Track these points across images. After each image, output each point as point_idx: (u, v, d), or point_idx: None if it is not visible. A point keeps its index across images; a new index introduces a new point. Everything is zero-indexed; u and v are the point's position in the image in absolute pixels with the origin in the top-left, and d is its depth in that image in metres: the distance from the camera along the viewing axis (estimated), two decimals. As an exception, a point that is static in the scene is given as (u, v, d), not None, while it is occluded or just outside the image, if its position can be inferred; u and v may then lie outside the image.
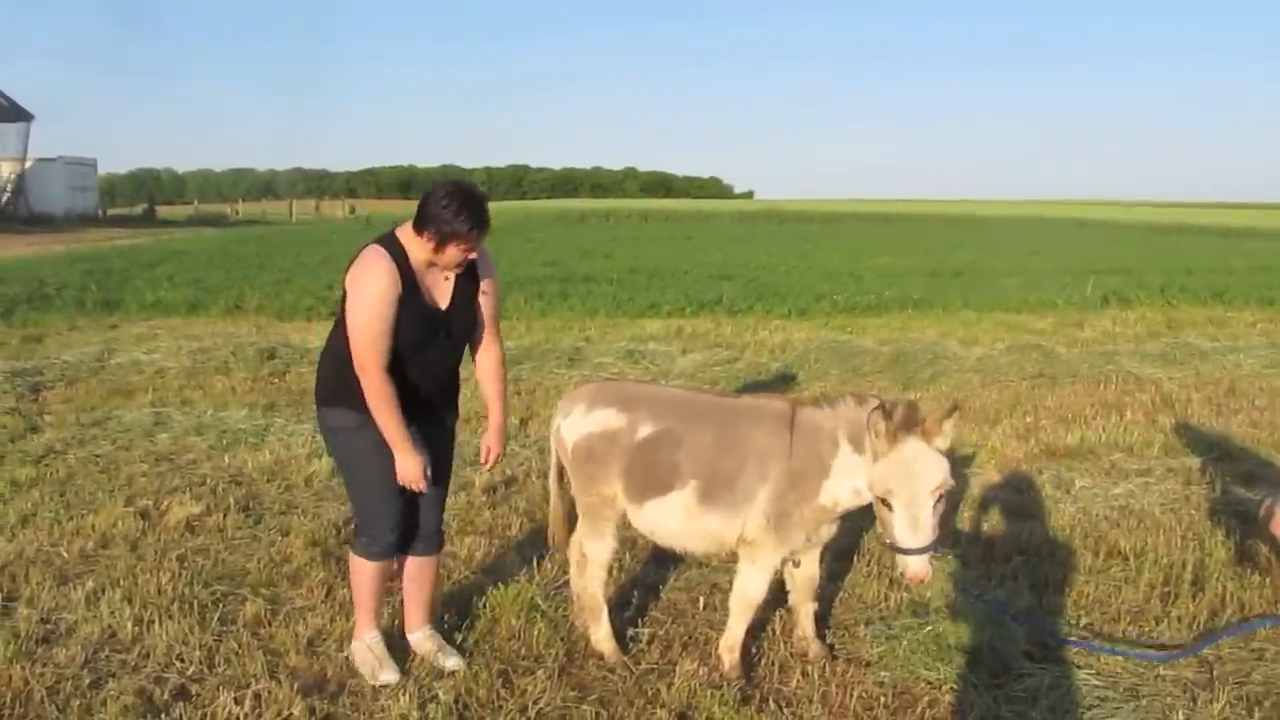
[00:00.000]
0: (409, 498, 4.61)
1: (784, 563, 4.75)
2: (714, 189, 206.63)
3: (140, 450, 8.33)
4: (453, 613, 5.31)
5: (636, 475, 4.67)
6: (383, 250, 4.27)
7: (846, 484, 4.37)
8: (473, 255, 4.30)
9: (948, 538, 6.07)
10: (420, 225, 4.22)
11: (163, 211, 71.59)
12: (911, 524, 4.00)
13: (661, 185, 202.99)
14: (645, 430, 4.67)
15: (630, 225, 61.93)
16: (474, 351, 4.71)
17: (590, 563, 4.94)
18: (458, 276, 4.43)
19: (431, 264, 4.31)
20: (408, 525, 4.72)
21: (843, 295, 19.70)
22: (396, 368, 4.30)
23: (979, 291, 21.16)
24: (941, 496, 4.05)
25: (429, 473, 4.41)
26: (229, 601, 5.47)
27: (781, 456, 4.45)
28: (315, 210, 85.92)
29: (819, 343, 13.83)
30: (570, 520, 5.14)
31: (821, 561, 5.05)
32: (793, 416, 4.50)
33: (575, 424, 4.85)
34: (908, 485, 4.00)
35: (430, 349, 4.39)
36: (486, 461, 4.88)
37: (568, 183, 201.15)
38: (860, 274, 25.35)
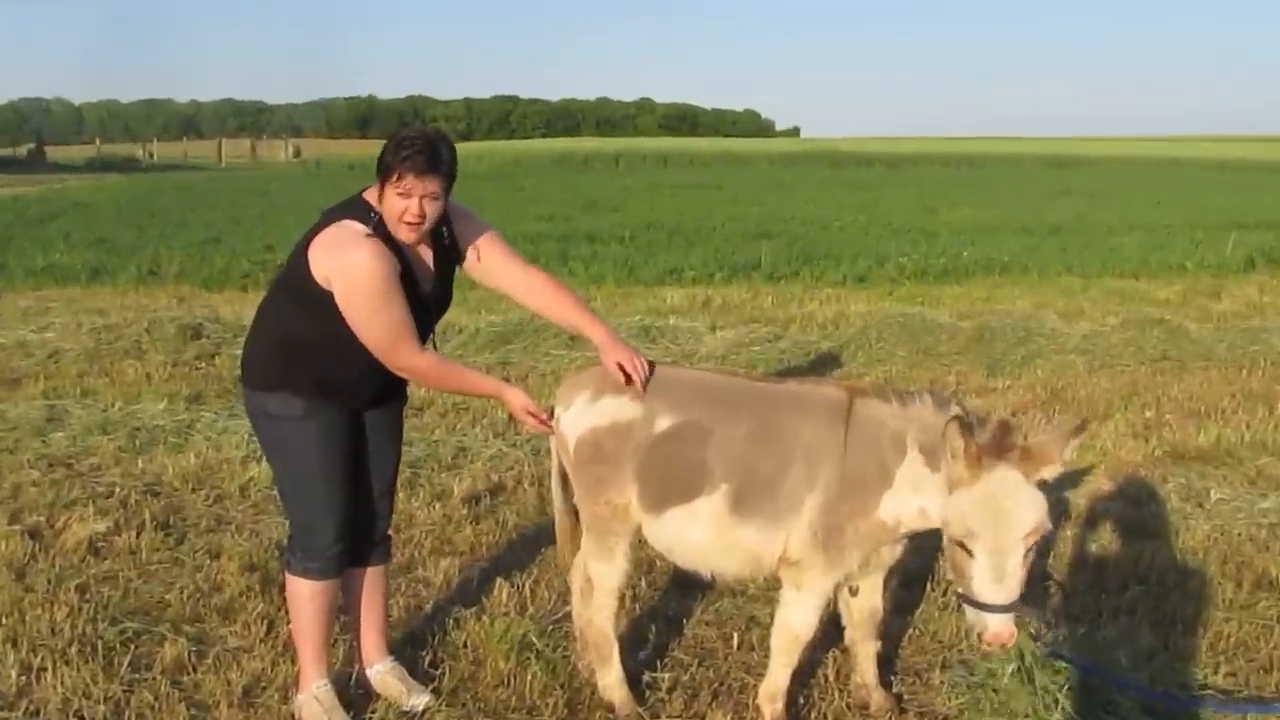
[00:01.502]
0: (357, 499, 4.71)
1: (838, 590, 4.75)
2: (750, 125, 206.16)
3: (29, 454, 8.35)
4: (425, 652, 5.33)
5: (654, 478, 4.67)
6: (367, 232, 4.30)
7: (912, 501, 4.36)
8: (415, 209, 4.28)
9: (1038, 595, 5.98)
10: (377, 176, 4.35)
11: (54, 153, 71.85)
12: (995, 575, 3.91)
13: (684, 120, 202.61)
14: (664, 422, 4.67)
15: (645, 170, 61.77)
16: (521, 296, 4.83)
17: (597, 589, 4.95)
18: (438, 254, 4.55)
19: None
20: (358, 533, 4.79)
21: (912, 257, 19.65)
22: (357, 356, 4.39)
23: (1085, 252, 21.09)
24: (1035, 543, 3.96)
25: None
26: (143, 642, 5.48)
27: (834, 456, 4.45)
28: (251, 152, 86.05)
29: (881, 317, 13.79)
30: (579, 536, 5.15)
31: (885, 589, 5.05)
32: (849, 407, 4.49)
33: (578, 416, 4.84)
34: (993, 528, 3.91)
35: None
36: (636, 376, 4.66)
37: (567, 118, 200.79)
38: (934, 230, 25.25)
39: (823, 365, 11.85)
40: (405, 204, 4.26)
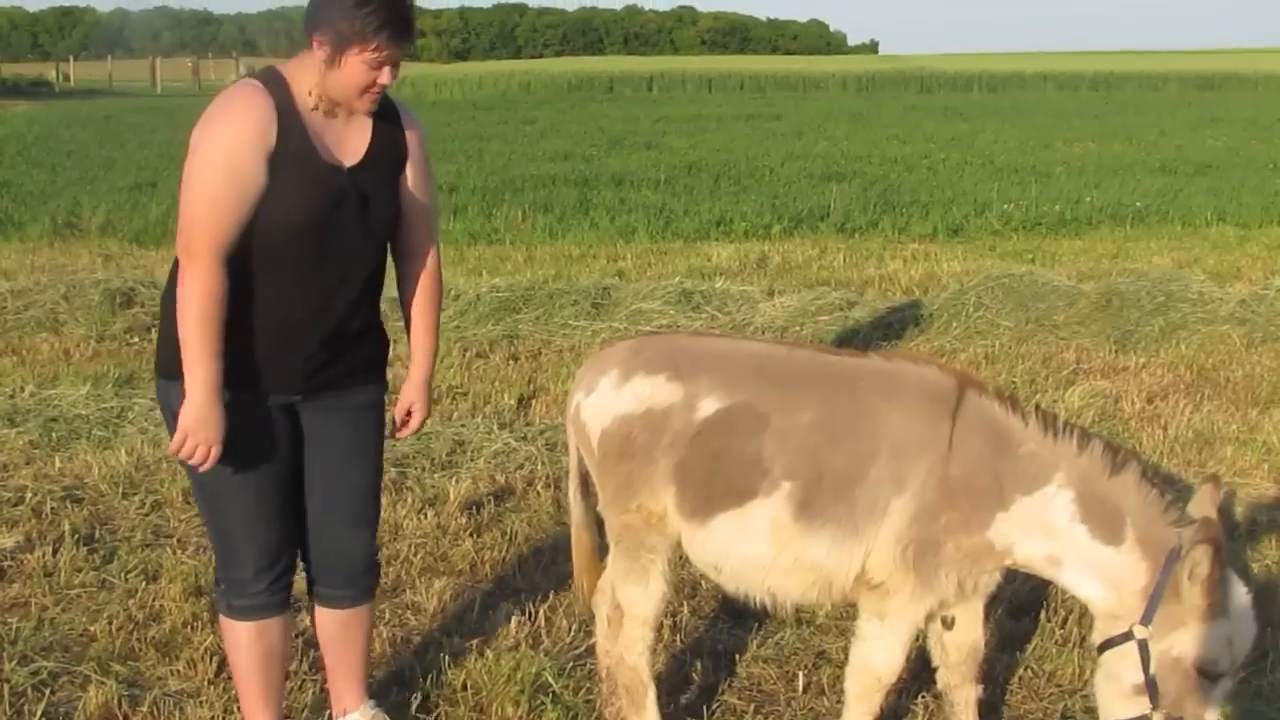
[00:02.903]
0: (299, 517, 4.65)
1: (929, 621, 4.74)
2: (816, 39, 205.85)
3: (-78, 450, 8.42)
4: (415, 695, 5.35)
5: (697, 478, 4.66)
6: (251, 80, 4.33)
7: (1043, 547, 4.44)
8: (385, 79, 4.27)
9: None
10: (311, 26, 4.24)
11: (-58, 76, 72.11)
12: (1210, 707, 4.20)
13: (734, 34, 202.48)
14: (710, 407, 4.66)
15: (686, 98, 61.86)
16: (396, 260, 4.77)
17: (627, 619, 4.95)
18: (374, 126, 4.48)
19: (332, 103, 4.33)
20: (322, 572, 4.78)
21: (1019, 204, 19.55)
22: (267, 279, 4.30)
23: (1241, 195, 20.94)
24: None
25: (218, 451, 4.24)
26: (62, 685, 5.52)
27: (932, 454, 4.44)
28: (193, 74, 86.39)
29: (981, 278, 13.69)
30: (602, 553, 5.16)
31: (987, 620, 5.05)
32: (959, 397, 4.51)
33: (604, 401, 4.84)
34: (1242, 650, 4.22)
35: (328, 240, 4.35)
36: (406, 431, 4.94)
37: (587, 31, 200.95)
38: (1048, 170, 25.14)
39: (908, 339, 11.81)
40: (374, 75, 4.24)
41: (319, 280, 4.37)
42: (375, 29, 4.14)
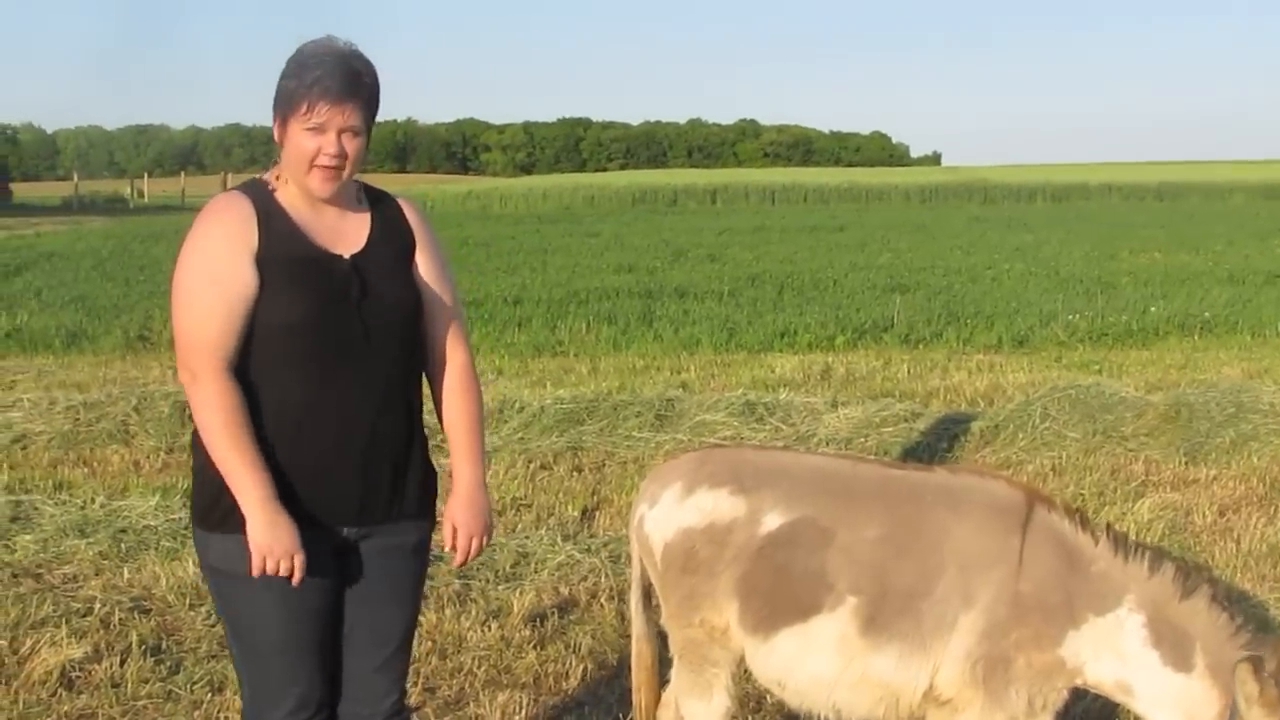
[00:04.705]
0: (327, 664, 4.33)
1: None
2: (879, 150, 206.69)
3: (-8, 560, 8.48)
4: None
5: (761, 592, 4.65)
6: (232, 190, 4.22)
7: (1109, 664, 4.44)
8: (331, 148, 4.03)
9: None
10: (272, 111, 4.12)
11: (23, 192, 73.36)
12: None
13: (797, 146, 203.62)
14: (774, 521, 4.66)
15: (750, 209, 62.15)
16: (427, 367, 4.43)
17: (691, 734, 4.92)
18: (373, 216, 4.28)
19: (306, 191, 4.13)
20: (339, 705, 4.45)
21: (1085, 315, 19.49)
22: (284, 388, 4.08)
23: (1313, 305, 20.80)
24: None
25: (303, 558, 3.99)
26: (130, 793, 5.53)
27: (1002, 570, 4.43)
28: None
29: (1047, 389, 13.62)
30: (664, 668, 5.13)
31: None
32: (1028, 512, 4.50)
33: (666, 514, 4.84)
34: None
35: (337, 336, 4.09)
36: (457, 555, 4.40)
37: (651, 144, 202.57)
38: (1113, 280, 25.07)
39: (972, 451, 11.74)
40: (318, 142, 4.02)
41: (339, 385, 4.10)
42: (310, 87, 3.98)
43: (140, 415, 12.41)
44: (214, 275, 3.97)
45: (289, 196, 4.12)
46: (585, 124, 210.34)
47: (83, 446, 11.65)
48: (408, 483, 4.28)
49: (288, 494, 4.01)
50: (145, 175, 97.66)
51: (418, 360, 4.34)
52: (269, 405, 4.04)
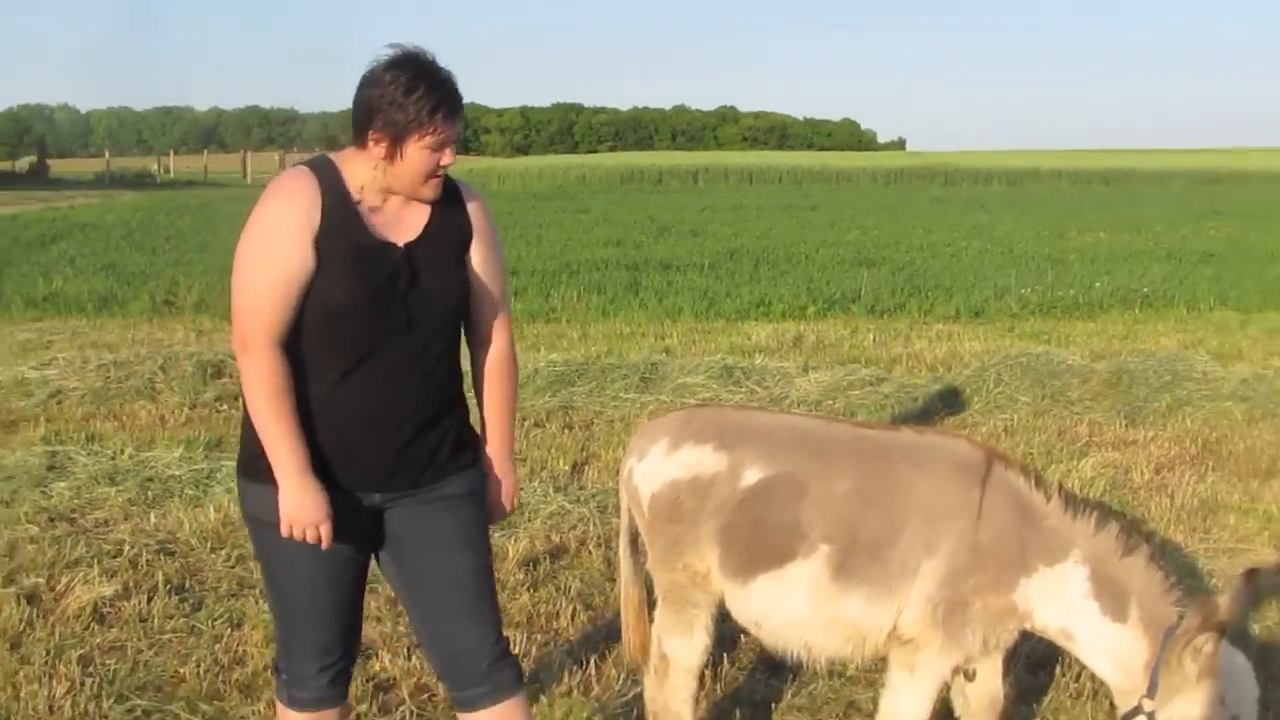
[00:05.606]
0: (352, 615, 4.31)
1: (954, 674, 4.70)
2: (849, 136, 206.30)
3: (28, 507, 8.44)
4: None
5: (740, 540, 4.66)
6: (298, 165, 4.10)
7: (1055, 612, 4.49)
8: (447, 160, 4.01)
9: None
10: (364, 125, 3.95)
11: (58, 167, 73.02)
12: None
13: (773, 132, 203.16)
14: (753, 475, 4.66)
15: (729, 189, 61.99)
16: (469, 340, 4.35)
17: (673, 669, 4.93)
18: (433, 207, 4.13)
19: (388, 191, 4.04)
20: (438, 666, 4.36)
21: (1036, 289, 19.51)
22: (331, 366, 3.99)
23: (1243, 282, 20.83)
24: None
25: (329, 527, 3.96)
26: (155, 721, 5.51)
27: (962, 521, 4.44)
28: (279, 167, 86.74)
29: (1001, 357, 13.65)
30: (650, 609, 5.14)
31: (1006, 673, 5.00)
32: (987, 469, 4.53)
33: (653, 468, 4.85)
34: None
35: (386, 320, 4.00)
36: (493, 513, 4.41)
37: (638, 128, 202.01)
38: (1062, 257, 25.08)
39: (933, 412, 11.75)
40: (436, 158, 3.97)
41: (385, 365, 4.00)
42: (430, 112, 3.88)
43: (166, 374, 12.41)
44: (275, 253, 3.88)
45: (356, 179, 3.99)
46: (578, 109, 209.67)
47: (113, 402, 11.62)
48: (450, 444, 4.18)
49: (320, 464, 3.95)
50: (171, 153, 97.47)
51: (458, 345, 4.24)
52: (309, 381, 3.96)
